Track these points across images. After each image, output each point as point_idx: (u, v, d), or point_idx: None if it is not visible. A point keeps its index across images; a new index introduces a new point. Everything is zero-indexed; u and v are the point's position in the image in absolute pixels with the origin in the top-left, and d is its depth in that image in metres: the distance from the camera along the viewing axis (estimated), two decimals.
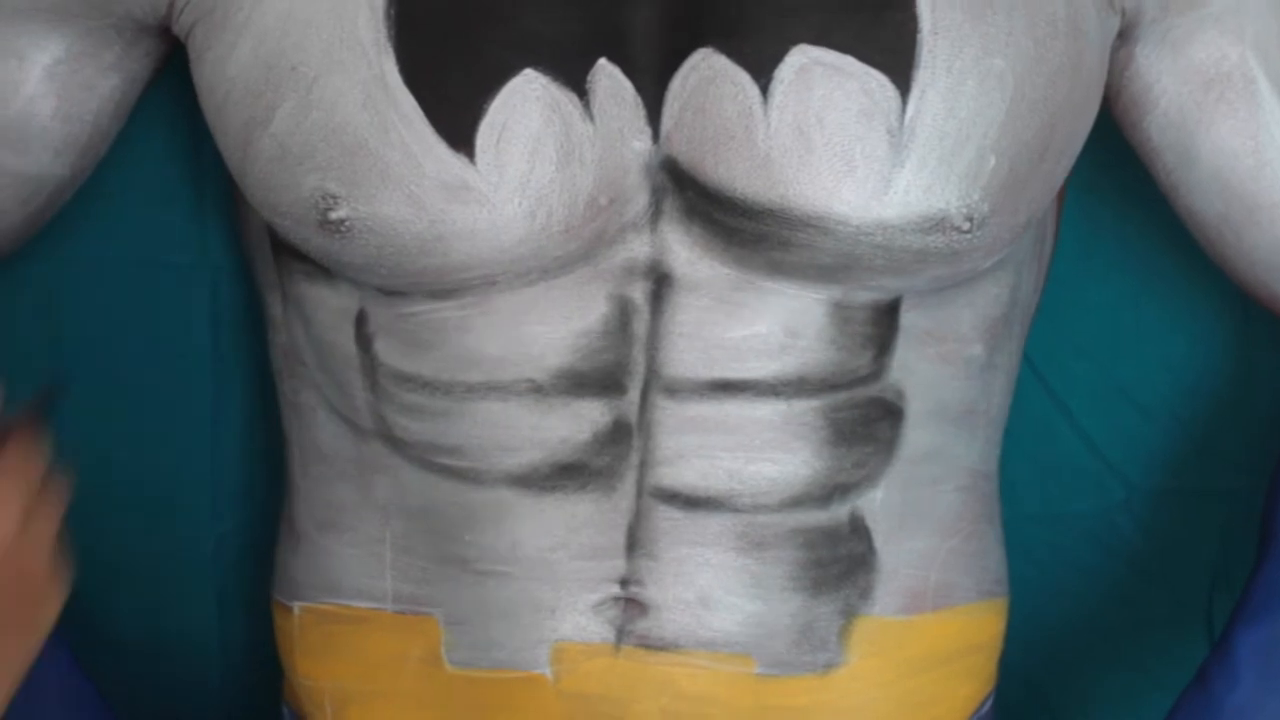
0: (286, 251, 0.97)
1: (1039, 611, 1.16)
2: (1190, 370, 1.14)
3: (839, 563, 0.95)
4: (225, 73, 0.90)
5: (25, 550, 0.83)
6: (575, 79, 0.88)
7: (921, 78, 0.87)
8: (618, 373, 0.92)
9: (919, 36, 0.87)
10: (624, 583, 0.94)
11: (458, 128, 0.87)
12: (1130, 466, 1.15)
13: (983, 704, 1.03)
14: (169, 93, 1.04)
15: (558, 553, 0.94)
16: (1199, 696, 0.97)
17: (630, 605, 0.94)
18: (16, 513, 0.82)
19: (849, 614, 0.96)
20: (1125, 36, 0.95)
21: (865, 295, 0.92)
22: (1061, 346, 1.14)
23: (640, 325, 0.91)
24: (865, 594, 0.96)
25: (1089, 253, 1.12)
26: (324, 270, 0.95)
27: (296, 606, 1.01)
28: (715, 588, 0.94)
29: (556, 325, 0.91)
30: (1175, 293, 1.13)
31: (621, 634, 0.94)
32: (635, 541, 0.94)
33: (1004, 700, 1.09)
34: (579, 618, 0.94)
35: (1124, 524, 1.16)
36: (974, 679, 1.02)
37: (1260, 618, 0.97)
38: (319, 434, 1.00)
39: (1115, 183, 1.10)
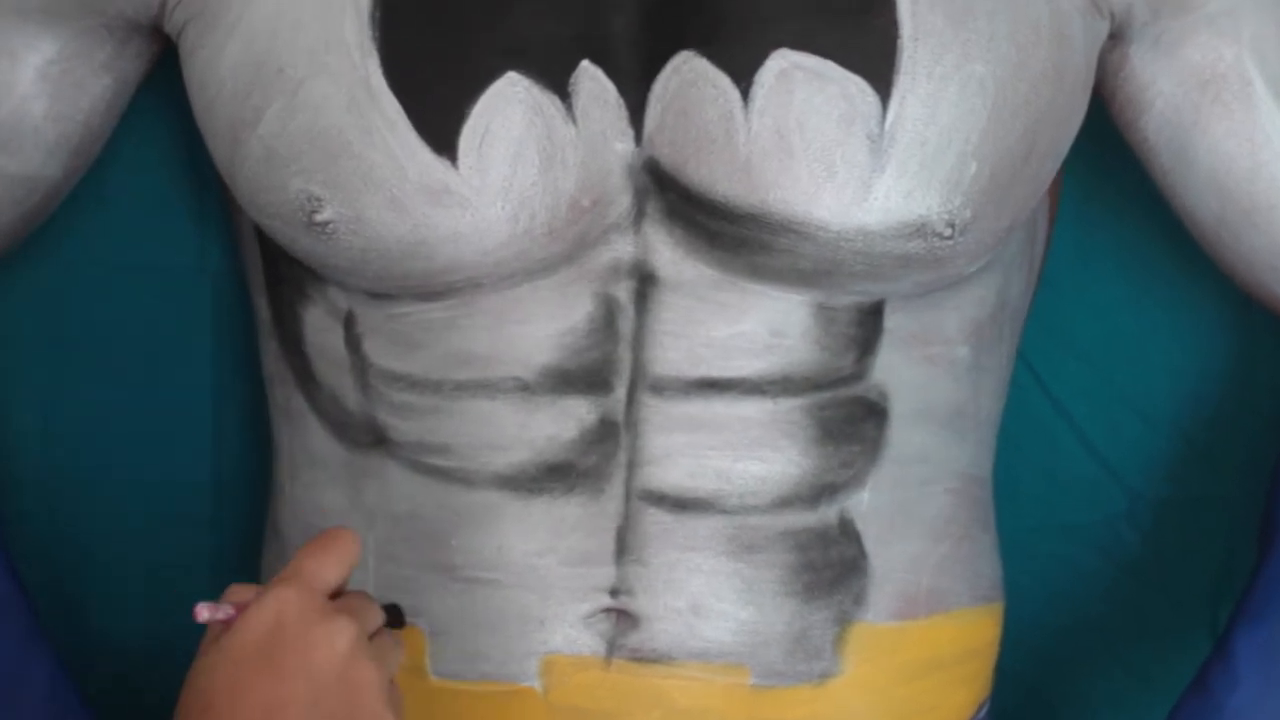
0: (275, 256, 0.97)
1: (1042, 620, 1.15)
2: (1192, 376, 1.13)
3: (831, 567, 0.94)
4: (215, 72, 0.91)
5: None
6: (558, 81, 0.88)
7: (902, 83, 0.87)
8: (604, 371, 0.92)
9: (899, 42, 0.87)
10: (614, 592, 0.93)
11: (440, 131, 0.87)
12: (1133, 475, 1.14)
13: (979, 710, 1.02)
14: (167, 98, 1.04)
15: (545, 558, 0.93)
16: (1199, 698, 0.96)
17: (621, 618, 0.93)
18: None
19: (843, 621, 0.95)
20: (1117, 38, 0.95)
21: (848, 298, 0.92)
22: (1062, 353, 1.13)
23: (625, 324, 0.91)
24: (859, 600, 0.95)
25: (1089, 258, 1.12)
26: (312, 273, 0.95)
27: None
28: (706, 594, 0.93)
29: (542, 324, 0.91)
30: (1176, 298, 1.12)
31: (612, 647, 0.93)
32: (625, 547, 0.93)
33: (1007, 709, 1.08)
34: (569, 629, 0.93)
35: (1127, 533, 1.15)
36: (970, 685, 1.01)
37: (1260, 618, 0.96)
38: (311, 439, 0.99)
39: (1115, 188, 1.09)
